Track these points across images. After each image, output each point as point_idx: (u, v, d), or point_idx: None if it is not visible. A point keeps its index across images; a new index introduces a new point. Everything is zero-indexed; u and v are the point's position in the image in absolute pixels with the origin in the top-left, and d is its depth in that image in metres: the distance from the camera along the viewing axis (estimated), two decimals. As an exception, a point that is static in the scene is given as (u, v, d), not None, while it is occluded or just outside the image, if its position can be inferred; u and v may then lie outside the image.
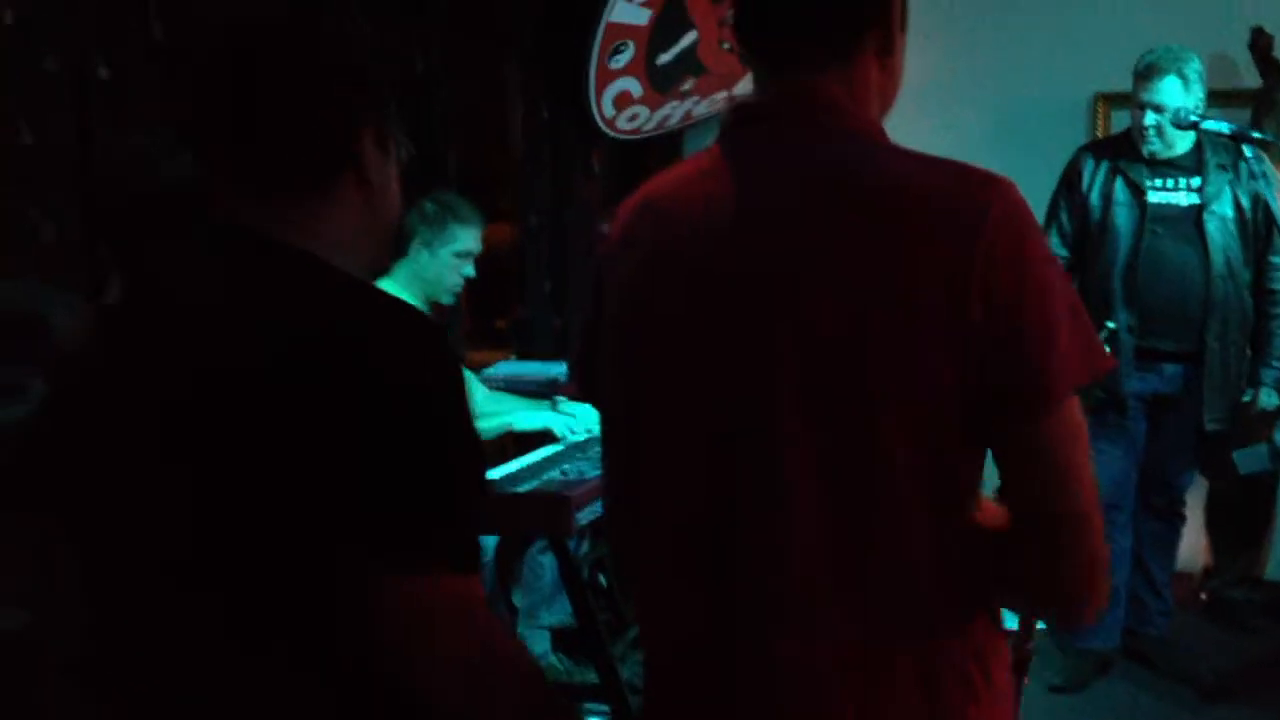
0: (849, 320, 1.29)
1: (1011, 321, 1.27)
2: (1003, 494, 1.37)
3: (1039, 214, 3.90)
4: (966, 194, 1.31)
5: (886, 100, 1.47)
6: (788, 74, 1.41)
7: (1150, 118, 3.78)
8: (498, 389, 4.12)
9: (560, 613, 3.90)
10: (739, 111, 1.45)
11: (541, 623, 3.96)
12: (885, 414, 1.29)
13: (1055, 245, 3.97)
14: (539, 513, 3.04)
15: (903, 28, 1.46)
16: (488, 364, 6.12)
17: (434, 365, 1.22)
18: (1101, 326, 3.62)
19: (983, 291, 1.27)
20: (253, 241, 1.27)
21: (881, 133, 1.42)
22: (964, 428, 1.30)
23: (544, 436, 3.73)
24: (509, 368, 4.41)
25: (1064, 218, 4.00)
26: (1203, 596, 4.81)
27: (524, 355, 4.72)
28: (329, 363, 1.17)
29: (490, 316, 7.00)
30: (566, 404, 3.86)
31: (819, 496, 1.31)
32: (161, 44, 3.11)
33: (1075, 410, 1.31)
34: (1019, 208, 1.31)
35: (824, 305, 1.30)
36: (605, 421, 1.55)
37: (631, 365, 1.45)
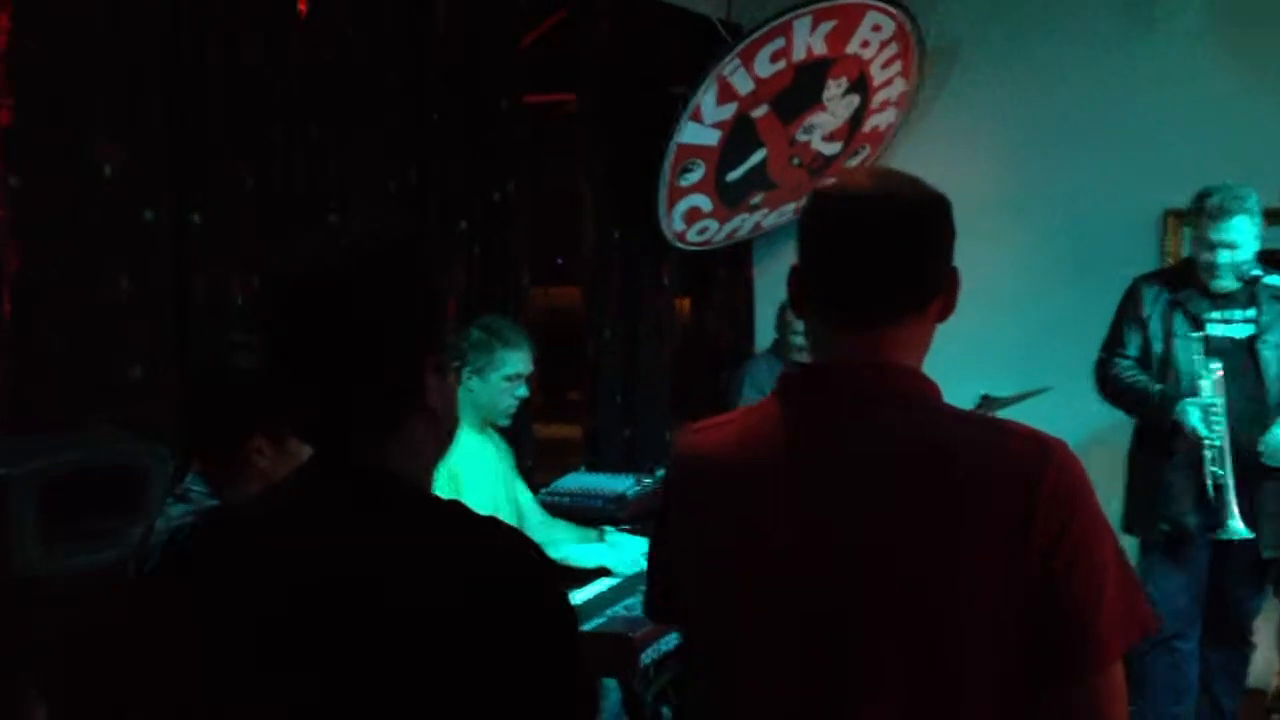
0: (912, 582, 1.35)
1: (1064, 586, 1.33)
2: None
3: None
4: (1023, 458, 1.36)
5: (926, 347, 1.52)
6: (856, 332, 1.46)
7: (1224, 256, 3.81)
8: (564, 503, 4.15)
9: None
10: (802, 375, 1.51)
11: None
12: (955, 672, 1.35)
13: (1125, 368, 4.00)
14: (603, 652, 3.02)
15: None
16: (557, 439, 6.11)
17: (561, 601, 1.33)
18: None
19: (1039, 553, 1.33)
20: (387, 479, 1.34)
21: (936, 392, 1.47)
22: (1027, 680, 1.36)
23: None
24: (577, 480, 4.48)
25: (1129, 346, 4.03)
26: (1274, 717, 4.74)
27: (593, 467, 4.79)
28: (481, 598, 1.25)
29: (562, 389, 6.98)
30: (614, 534, 3.84)
31: None
32: (254, 192, 3.26)
33: (1118, 673, 1.36)
34: (1073, 471, 1.37)
35: (888, 566, 1.36)
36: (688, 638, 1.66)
37: (706, 613, 1.52)
